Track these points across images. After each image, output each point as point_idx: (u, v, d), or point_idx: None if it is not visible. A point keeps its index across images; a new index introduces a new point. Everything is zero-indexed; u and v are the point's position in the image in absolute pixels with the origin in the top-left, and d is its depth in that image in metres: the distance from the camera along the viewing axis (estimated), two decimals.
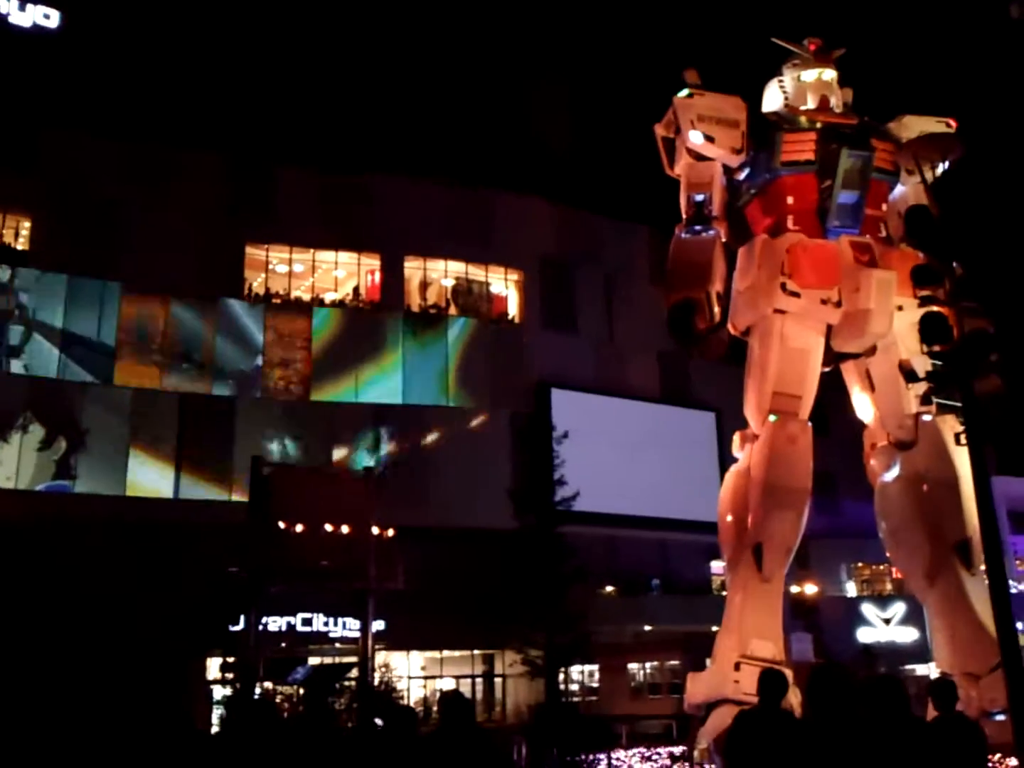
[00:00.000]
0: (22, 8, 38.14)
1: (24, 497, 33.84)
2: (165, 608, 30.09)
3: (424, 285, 43.61)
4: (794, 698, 10.03)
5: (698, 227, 14.41)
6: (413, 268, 43.29)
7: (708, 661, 13.29)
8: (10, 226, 37.76)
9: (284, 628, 27.48)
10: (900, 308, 12.91)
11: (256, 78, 43.69)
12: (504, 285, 45.10)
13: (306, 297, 41.75)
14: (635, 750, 18.20)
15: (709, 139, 13.93)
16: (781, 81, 14.67)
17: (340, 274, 42.99)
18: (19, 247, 37.52)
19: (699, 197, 14.43)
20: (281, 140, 41.54)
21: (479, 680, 39.00)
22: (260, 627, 25.80)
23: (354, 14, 51.57)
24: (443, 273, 43.94)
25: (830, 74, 14.46)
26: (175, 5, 43.07)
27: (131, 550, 31.56)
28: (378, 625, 27.58)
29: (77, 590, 29.77)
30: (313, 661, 30.19)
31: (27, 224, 37.74)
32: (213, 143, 39.77)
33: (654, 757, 17.60)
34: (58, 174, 36.47)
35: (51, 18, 38.78)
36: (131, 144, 38.31)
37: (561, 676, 33.32)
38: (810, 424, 13.56)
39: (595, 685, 37.63)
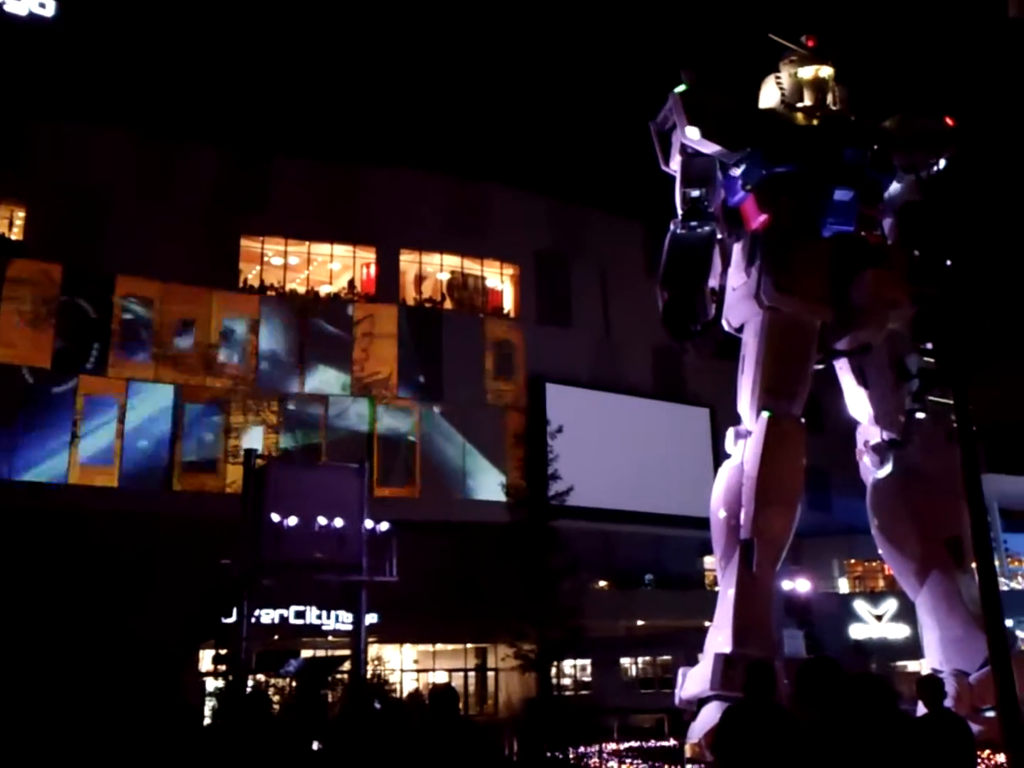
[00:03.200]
0: None
1: (18, 487, 33.77)
2: (159, 600, 30.16)
3: (419, 279, 43.58)
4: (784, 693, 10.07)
5: (693, 223, 14.43)
6: (408, 262, 43.25)
7: (700, 656, 13.32)
8: (3, 216, 37.64)
9: (277, 620, 27.38)
10: (894, 306, 12.94)
11: (252, 69, 43.57)
12: (500, 279, 45.09)
13: (301, 290, 41.69)
14: (628, 744, 18.23)
15: (705, 135, 13.93)
16: (778, 78, 14.67)
17: (335, 267, 42.94)
18: (13, 237, 37.41)
19: (695, 193, 14.46)
20: (277, 131, 41.53)
21: (471, 674, 39.06)
22: (253, 619, 25.79)
23: (352, 6, 51.46)
24: (439, 267, 43.90)
25: (827, 71, 14.47)
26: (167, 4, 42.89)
27: (126, 542, 31.63)
28: (371, 618, 27.59)
29: (71, 581, 29.84)
30: (306, 654, 30.20)
31: (21, 214, 37.62)
32: (208, 134, 39.70)
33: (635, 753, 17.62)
34: (52, 164, 36.34)
35: (47, 7, 38.57)
36: (125, 134, 38.23)
37: (554, 670, 33.35)
38: (803, 421, 13.60)
39: (587, 679, 37.69)
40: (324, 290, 42.04)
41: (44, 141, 36.58)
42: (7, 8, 37.76)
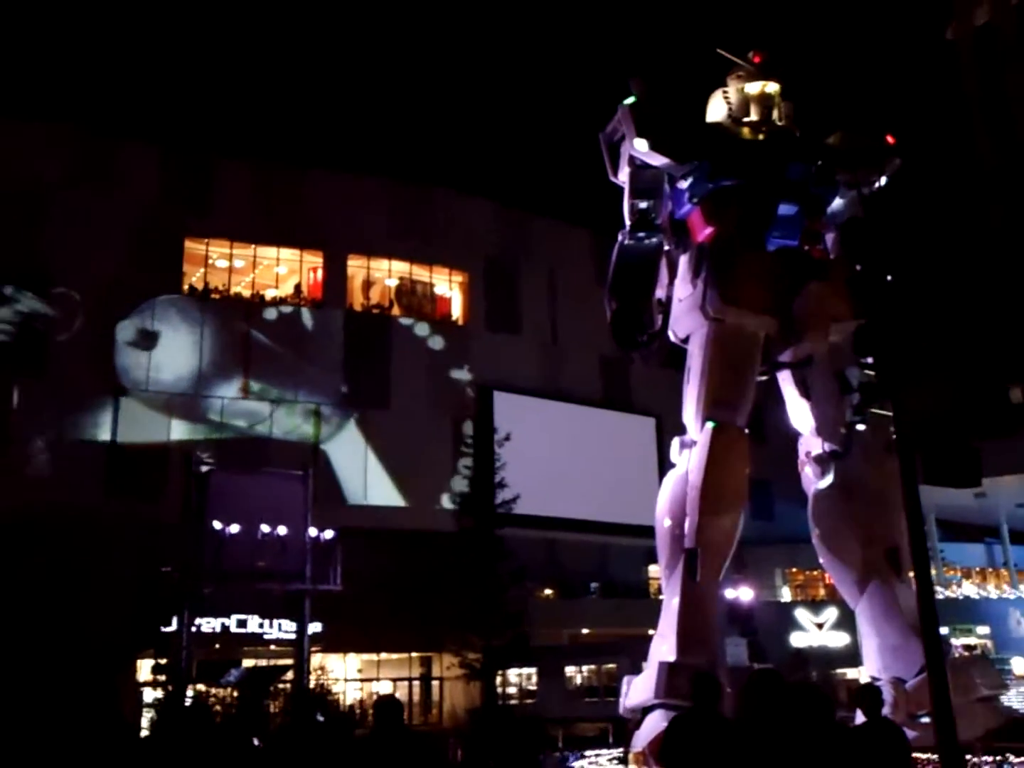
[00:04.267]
0: None
1: None
2: (95, 607, 29.43)
3: (367, 284, 43.33)
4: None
5: (641, 234, 14.54)
6: (356, 267, 42.98)
7: (644, 665, 13.38)
8: None
9: (218, 629, 26.98)
10: (836, 319, 13.16)
11: (197, 68, 43.03)
12: (448, 286, 45.03)
13: (246, 293, 41.16)
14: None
15: (653, 148, 14.04)
16: (725, 92, 14.86)
17: (282, 271, 42.48)
18: None
19: (643, 204, 14.56)
20: (221, 132, 41.03)
21: (416, 683, 38.84)
22: (193, 628, 25.39)
23: (299, 10, 51.10)
24: (387, 273, 43.70)
25: (773, 87, 14.69)
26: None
27: (59, 548, 30.80)
28: (315, 627, 27.33)
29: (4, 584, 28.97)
30: (248, 663, 29.76)
31: None
32: (150, 133, 39.06)
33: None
34: None
35: None
36: (62, 128, 37.35)
37: (499, 679, 33.31)
38: (747, 431, 13.76)
39: (532, 688, 37.69)
40: (270, 294, 41.56)
41: None
42: None
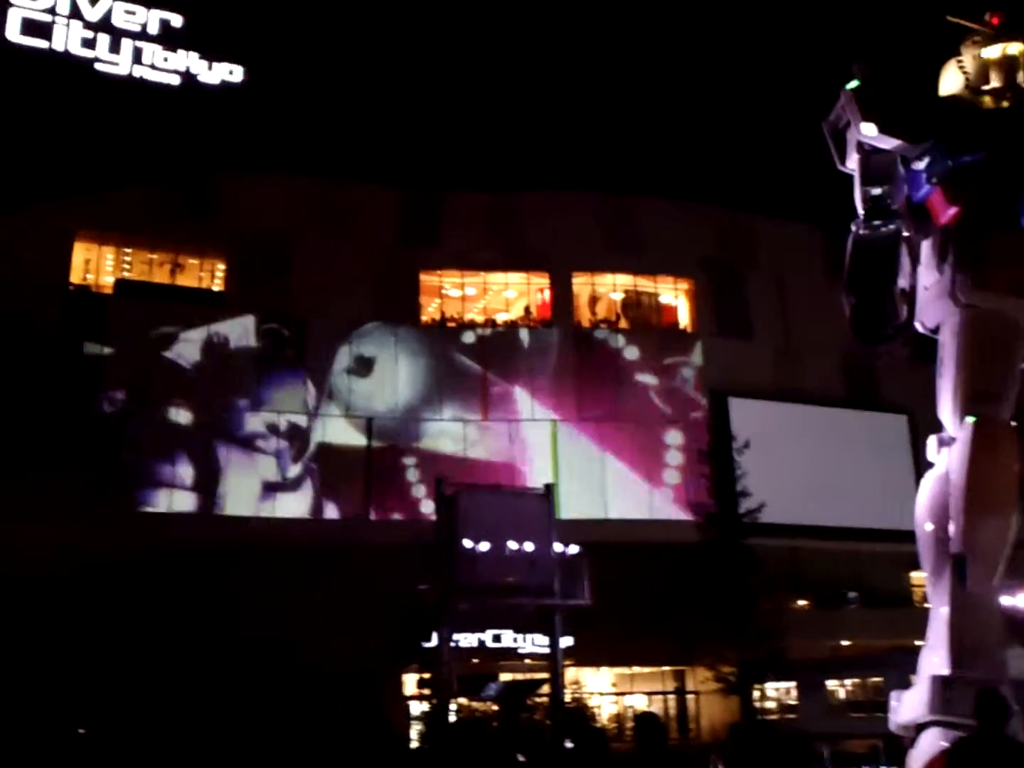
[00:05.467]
0: (210, 68, 41.45)
1: (210, 520, 35.99)
2: (362, 625, 31.27)
3: (593, 300, 43.75)
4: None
5: (876, 222, 13.79)
6: (581, 284, 43.53)
7: (914, 678, 12.57)
8: (207, 269, 40.73)
9: (475, 644, 27.95)
10: None
11: (418, 110, 45.40)
12: (674, 295, 44.60)
13: (479, 319, 42.73)
14: None
15: (883, 130, 13.30)
16: (960, 61, 13.81)
17: (511, 294, 43.77)
18: (215, 288, 40.46)
19: (876, 191, 13.78)
20: (447, 167, 42.93)
21: (671, 697, 38.41)
22: (452, 643, 26.43)
23: (504, 41, 52.73)
24: (611, 287, 43.95)
25: (1017, 47, 13.50)
26: (342, 52, 45.39)
27: (325, 570, 32.98)
28: (567, 641, 27.68)
29: (278, 610, 31.38)
30: (504, 677, 30.61)
31: (221, 267, 40.58)
32: (379, 175, 41.68)
33: None
34: (243, 216, 39.06)
35: (235, 73, 41.87)
36: (302, 180, 40.58)
37: (756, 693, 32.34)
38: (1014, 425, 12.67)
39: (792, 702, 36.25)
40: (501, 318, 42.91)
41: (235, 194, 39.45)
42: (201, 78, 41.28)
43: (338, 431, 39.42)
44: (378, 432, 39.57)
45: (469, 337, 41.42)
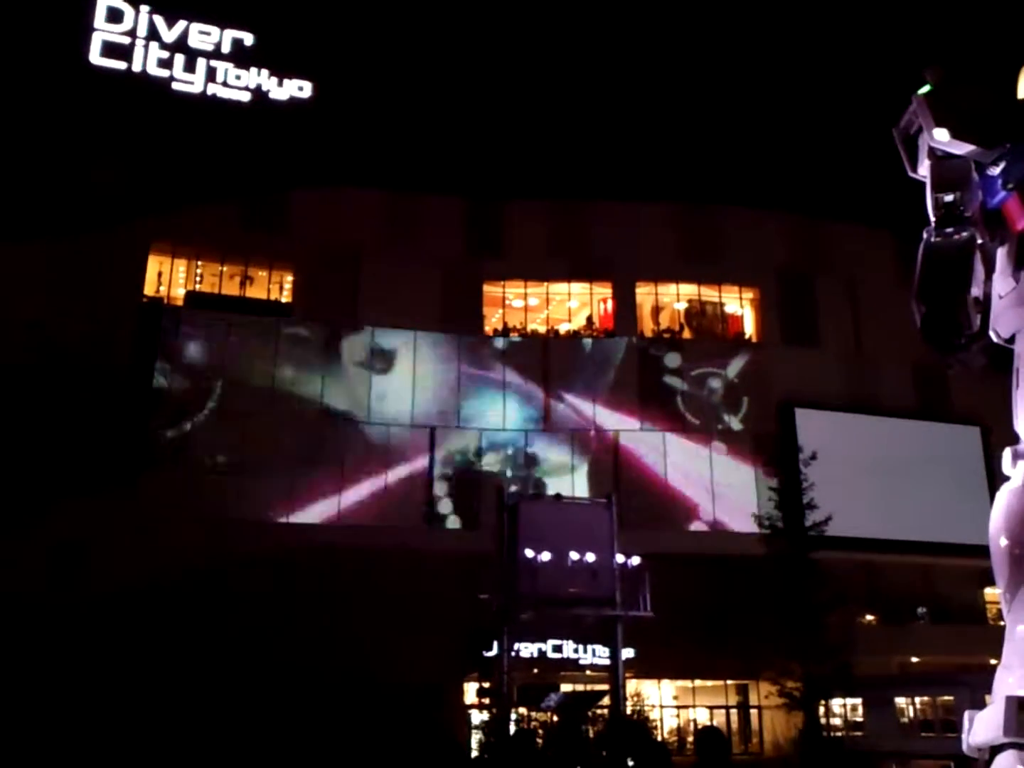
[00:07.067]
0: (280, 84, 42.35)
1: (277, 528, 36.53)
2: (425, 634, 31.46)
3: (656, 310, 43.47)
4: None
5: (949, 229, 13.46)
6: (644, 294, 43.30)
7: (988, 698, 12.20)
8: (275, 280, 41.50)
9: (536, 654, 27.89)
10: None
11: (476, 117, 45.68)
12: (739, 304, 44.09)
13: (542, 329, 42.77)
14: None
15: (956, 136, 13.00)
16: None
17: (573, 304, 43.73)
18: (284, 299, 41.19)
19: (948, 197, 13.41)
20: (510, 177, 43.06)
21: (733, 711, 37.86)
22: (512, 653, 26.40)
23: (569, 46, 52.71)
24: (675, 296, 43.63)
25: None
26: (406, 65, 45.95)
27: (390, 577, 33.30)
28: (628, 653, 27.45)
29: (339, 618, 31.75)
30: (565, 688, 30.48)
31: (289, 278, 41.32)
32: (450, 186, 42.02)
33: None
34: (313, 228, 39.76)
35: (304, 89, 42.70)
36: (370, 194, 41.13)
37: (821, 709, 31.69)
38: None
39: (859, 720, 35.42)
40: (563, 328, 42.88)
41: (304, 207, 40.17)
42: (271, 95, 42.24)
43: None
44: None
45: (531, 347, 41.46)
